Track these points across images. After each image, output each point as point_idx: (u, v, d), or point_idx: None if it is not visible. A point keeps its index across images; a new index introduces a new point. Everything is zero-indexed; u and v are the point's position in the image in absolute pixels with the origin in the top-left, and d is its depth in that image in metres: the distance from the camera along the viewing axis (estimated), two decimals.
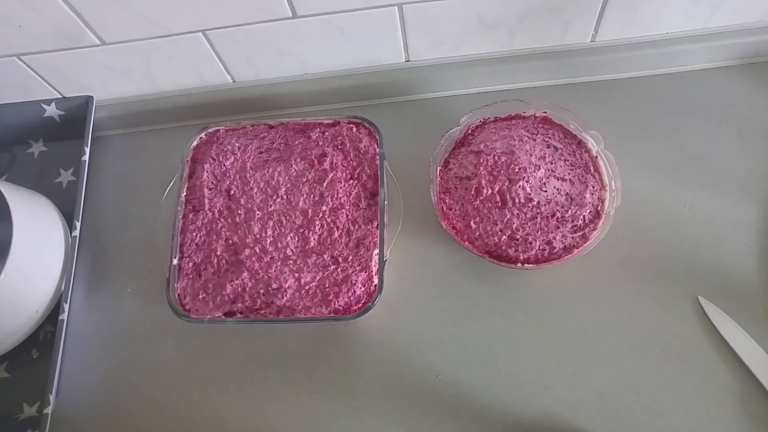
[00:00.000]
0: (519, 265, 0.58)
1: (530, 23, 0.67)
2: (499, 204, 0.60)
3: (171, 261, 0.64)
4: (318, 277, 0.62)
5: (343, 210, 0.64)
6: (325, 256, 0.62)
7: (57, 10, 0.62)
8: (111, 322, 0.68)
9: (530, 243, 0.58)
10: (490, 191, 0.60)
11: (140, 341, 0.67)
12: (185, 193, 0.67)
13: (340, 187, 0.65)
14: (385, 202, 0.63)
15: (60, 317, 0.66)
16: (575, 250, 0.58)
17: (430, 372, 0.61)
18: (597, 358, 0.59)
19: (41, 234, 0.67)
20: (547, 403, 0.58)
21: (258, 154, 0.68)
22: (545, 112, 0.65)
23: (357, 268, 0.61)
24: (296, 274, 0.62)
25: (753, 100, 0.68)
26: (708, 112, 0.68)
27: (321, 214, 0.64)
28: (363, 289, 0.61)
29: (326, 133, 0.68)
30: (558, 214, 0.59)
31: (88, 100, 0.75)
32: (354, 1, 0.63)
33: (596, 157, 0.62)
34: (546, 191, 0.60)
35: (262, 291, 0.62)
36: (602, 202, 0.60)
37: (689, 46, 0.69)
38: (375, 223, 0.63)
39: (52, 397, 0.63)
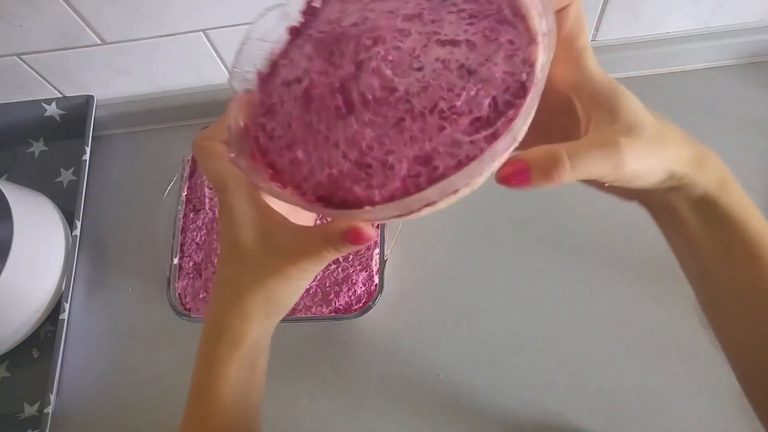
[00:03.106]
0: (370, 207, 0.30)
1: None
2: (343, 110, 0.32)
3: (172, 260, 0.64)
4: (318, 277, 0.62)
5: None
6: None
7: (58, 9, 0.62)
8: (111, 321, 0.68)
9: (392, 167, 0.31)
10: (326, 90, 0.33)
11: (141, 341, 0.67)
12: (186, 193, 0.68)
13: None
14: None
15: (60, 317, 0.66)
16: (474, 165, 0.29)
17: (430, 371, 0.61)
18: (597, 357, 0.59)
19: (42, 233, 0.67)
20: (547, 402, 0.58)
21: None
22: None
23: (357, 267, 0.61)
24: None
25: (753, 99, 0.68)
26: (708, 112, 0.68)
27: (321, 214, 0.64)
28: (363, 288, 0.61)
29: None
30: (443, 105, 0.31)
31: (89, 99, 0.75)
32: None
33: None
34: (421, 70, 0.32)
35: None
36: (532, 66, 0.31)
37: (690, 46, 0.69)
38: (375, 223, 0.63)
39: (52, 397, 0.63)
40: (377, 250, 0.62)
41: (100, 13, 0.63)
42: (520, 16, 0.33)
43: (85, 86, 0.75)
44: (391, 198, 0.30)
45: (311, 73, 0.34)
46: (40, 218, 0.68)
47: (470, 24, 0.33)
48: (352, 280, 0.61)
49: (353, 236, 0.29)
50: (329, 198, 0.31)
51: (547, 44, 0.31)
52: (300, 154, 0.33)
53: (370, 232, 0.29)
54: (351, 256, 0.62)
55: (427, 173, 0.30)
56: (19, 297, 0.64)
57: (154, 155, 0.77)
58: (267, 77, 0.37)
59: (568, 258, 0.63)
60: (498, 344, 0.61)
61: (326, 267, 0.62)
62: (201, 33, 0.67)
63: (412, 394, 0.60)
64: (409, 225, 0.65)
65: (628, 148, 0.29)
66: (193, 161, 0.69)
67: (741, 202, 0.32)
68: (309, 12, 0.38)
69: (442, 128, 0.30)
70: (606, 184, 0.30)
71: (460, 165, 0.29)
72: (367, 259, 0.62)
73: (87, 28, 0.65)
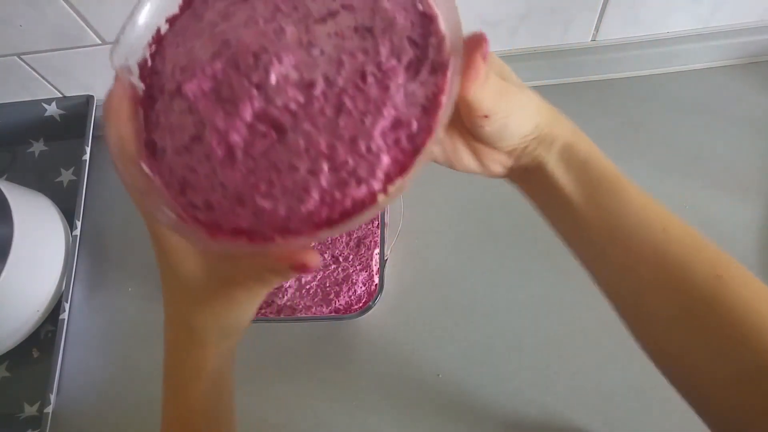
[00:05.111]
0: (383, 196, 0.26)
1: (531, 22, 0.67)
2: (274, 136, 0.28)
3: None
4: (319, 277, 0.62)
5: None
6: (326, 256, 0.62)
7: (58, 9, 0.62)
8: (111, 321, 0.68)
9: (369, 149, 0.27)
10: (243, 133, 0.28)
11: (141, 340, 0.67)
12: None
13: None
14: None
15: (60, 317, 0.66)
16: (443, 98, 0.27)
17: (430, 371, 0.61)
18: (597, 357, 0.59)
19: (42, 233, 0.67)
20: (547, 402, 0.58)
21: None
22: None
23: (358, 267, 0.61)
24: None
25: (753, 99, 0.68)
26: (708, 112, 0.68)
27: None
28: (363, 288, 0.61)
29: None
30: (369, 69, 0.28)
31: (89, 99, 0.75)
32: None
33: None
34: (323, 52, 0.28)
35: None
36: None
37: (690, 46, 0.69)
38: (375, 223, 0.63)
39: (52, 397, 0.63)
40: (377, 250, 0.62)
41: (100, 13, 0.63)
42: None
43: (85, 86, 0.75)
44: (389, 177, 0.27)
45: (214, 132, 0.28)
46: (40, 218, 0.68)
47: None
48: (352, 280, 0.61)
49: (299, 267, 0.26)
50: (328, 219, 0.27)
51: None
52: (266, 203, 0.27)
53: (316, 261, 0.26)
54: (351, 256, 0.62)
55: (407, 134, 0.27)
56: (19, 297, 0.64)
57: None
58: (150, 158, 0.30)
59: (568, 258, 0.63)
60: (498, 344, 0.61)
61: (326, 267, 0.62)
62: None
63: (412, 394, 0.60)
64: (409, 225, 0.65)
65: (507, 85, 0.31)
66: None
67: (595, 148, 0.34)
68: (148, 67, 0.31)
69: (385, 88, 0.27)
70: (486, 128, 0.31)
71: (426, 111, 0.27)
72: (367, 259, 0.62)
73: (87, 28, 0.65)
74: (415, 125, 0.27)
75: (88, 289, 0.71)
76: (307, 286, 0.61)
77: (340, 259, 0.62)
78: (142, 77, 0.30)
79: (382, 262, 0.61)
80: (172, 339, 0.33)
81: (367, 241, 0.62)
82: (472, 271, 0.64)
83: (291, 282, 0.62)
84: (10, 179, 0.78)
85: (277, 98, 0.27)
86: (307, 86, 0.27)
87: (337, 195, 0.26)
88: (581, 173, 0.34)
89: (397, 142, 0.27)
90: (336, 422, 0.60)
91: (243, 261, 0.29)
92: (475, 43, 0.28)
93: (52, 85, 0.75)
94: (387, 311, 0.63)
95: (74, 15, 0.63)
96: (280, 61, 0.28)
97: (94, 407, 0.65)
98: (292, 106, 0.27)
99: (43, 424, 0.62)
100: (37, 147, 0.81)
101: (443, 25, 0.29)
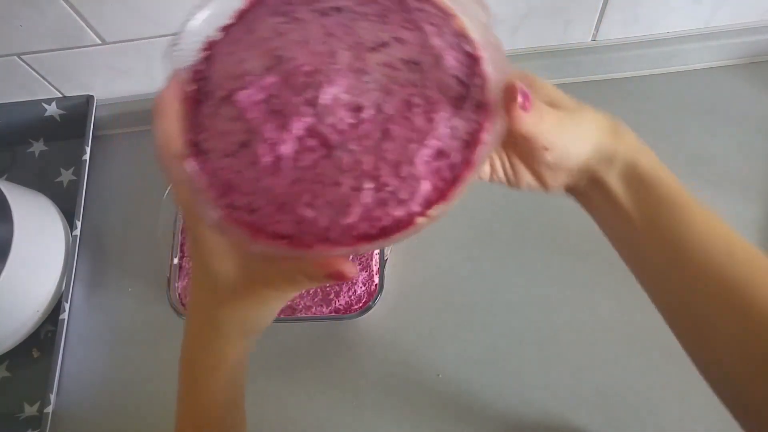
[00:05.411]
0: (422, 219, 0.28)
1: (531, 22, 0.67)
2: (323, 152, 0.29)
3: (172, 260, 0.64)
4: None
5: None
6: None
7: (58, 9, 0.62)
8: (111, 321, 0.68)
9: (411, 175, 0.28)
10: (294, 146, 0.29)
11: (141, 341, 0.67)
12: None
13: None
14: None
15: (60, 317, 0.66)
16: (485, 136, 0.29)
17: (430, 371, 0.61)
18: (598, 357, 0.59)
19: (42, 233, 0.67)
20: (547, 402, 0.58)
21: None
22: None
23: (358, 267, 0.61)
24: None
25: (754, 99, 0.68)
26: (709, 112, 0.68)
27: None
28: (364, 288, 0.61)
29: None
30: (416, 100, 0.30)
31: (89, 99, 0.75)
32: None
33: None
34: (372, 77, 0.31)
35: None
36: (463, 33, 0.32)
37: (690, 46, 0.69)
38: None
39: (52, 397, 0.63)
40: (377, 250, 0.62)
41: (100, 13, 0.63)
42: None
43: (85, 86, 0.75)
44: (441, 195, 0.29)
45: (260, 132, 0.29)
46: (40, 218, 0.68)
47: (384, 23, 0.32)
48: (352, 280, 0.61)
49: (336, 275, 0.28)
50: (365, 235, 0.28)
51: (463, 4, 0.32)
52: (308, 212, 0.28)
53: (354, 271, 0.28)
54: (351, 256, 0.62)
55: (448, 165, 0.29)
56: (19, 297, 0.64)
57: (154, 155, 0.77)
58: (194, 158, 0.30)
59: (568, 258, 0.63)
60: (498, 344, 0.61)
61: None
62: None
63: (412, 394, 0.60)
64: None
65: (562, 114, 0.32)
66: None
67: (658, 165, 0.34)
68: (200, 71, 0.32)
69: (430, 120, 0.29)
70: (548, 158, 0.32)
71: (468, 145, 0.29)
72: (367, 259, 0.62)
73: (87, 28, 0.65)
74: (456, 157, 0.29)
75: (88, 289, 0.71)
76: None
77: None
78: (191, 80, 0.31)
79: (382, 262, 0.61)
80: (195, 332, 0.34)
81: None
82: (472, 272, 0.64)
83: None
84: (10, 179, 0.78)
85: (327, 117, 0.29)
86: (356, 109, 0.29)
87: (377, 212, 0.28)
88: (642, 191, 0.33)
89: (438, 170, 0.28)
90: (336, 422, 0.60)
91: (278, 262, 0.29)
92: (518, 83, 0.29)
93: (52, 85, 0.75)
94: (387, 311, 0.63)
95: (74, 15, 0.63)
96: (332, 82, 0.29)
97: (94, 407, 0.65)
98: (341, 126, 0.29)
99: (43, 424, 0.62)
100: (37, 147, 0.81)
101: (489, 67, 0.31)
